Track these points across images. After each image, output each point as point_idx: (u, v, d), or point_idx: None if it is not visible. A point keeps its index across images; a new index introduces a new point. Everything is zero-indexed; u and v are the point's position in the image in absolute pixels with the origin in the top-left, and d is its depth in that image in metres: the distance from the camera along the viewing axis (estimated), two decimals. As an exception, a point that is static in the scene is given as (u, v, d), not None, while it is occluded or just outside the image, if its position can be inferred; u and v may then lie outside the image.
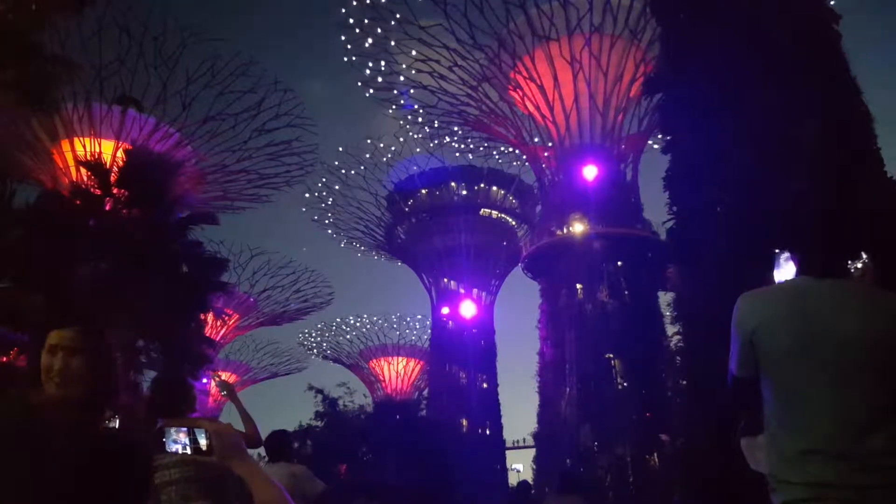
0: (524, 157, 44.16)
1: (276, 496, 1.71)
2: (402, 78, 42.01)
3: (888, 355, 2.08)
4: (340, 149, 52.59)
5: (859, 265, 3.57)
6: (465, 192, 53.79)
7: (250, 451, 1.97)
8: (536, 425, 35.73)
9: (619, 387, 31.81)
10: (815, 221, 2.39)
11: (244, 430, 4.48)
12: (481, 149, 50.70)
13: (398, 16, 37.75)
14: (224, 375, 55.89)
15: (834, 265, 2.30)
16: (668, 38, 11.79)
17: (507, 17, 36.41)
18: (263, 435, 5.13)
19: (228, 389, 4.85)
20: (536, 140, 40.97)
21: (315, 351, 68.75)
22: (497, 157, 51.76)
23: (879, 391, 2.06)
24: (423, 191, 53.80)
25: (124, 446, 1.73)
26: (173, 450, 1.78)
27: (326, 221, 55.35)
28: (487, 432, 48.59)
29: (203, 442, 1.74)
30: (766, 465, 2.20)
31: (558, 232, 37.05)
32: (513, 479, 45.82)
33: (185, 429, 1.77)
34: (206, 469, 3.21)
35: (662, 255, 25.21)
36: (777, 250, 3.51)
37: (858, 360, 2.08)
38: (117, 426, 3.27)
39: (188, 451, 1.76)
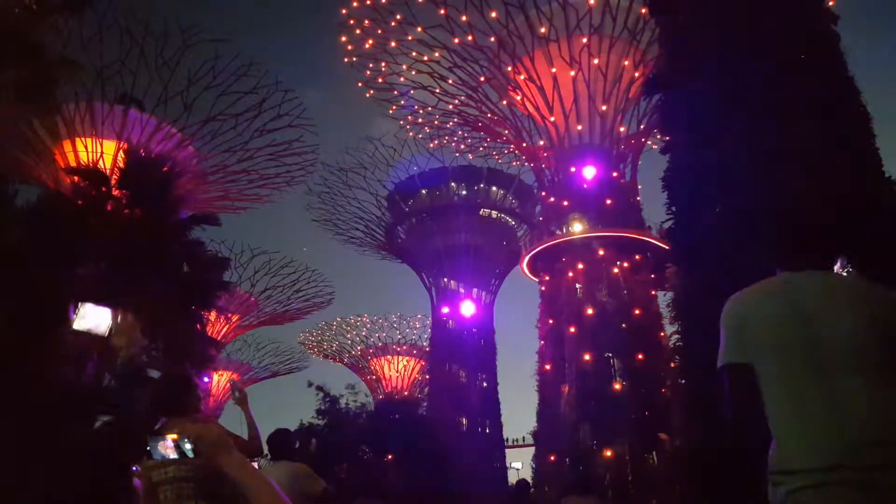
0: (524, 157, 44.17)
1: (265, 487, 1.76)
2: (402, 79, 42.05)
3: (877, 345, 2.15)
4: (340, 150, 52.73)
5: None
6: (464, 192, 53.82)
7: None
8: (536, 424, 35.73)
9: (618, 386, 31.82)
10: (802, 217, 2.46)
11: (248, 436, 4.52)
12: (481, 149, 50.74)
13: (398, 17, 37.79)
14: (225, 374, 56.03)
15: (815, 260, 2.37)
16: (667, 38, 11.83)
17: (507, 18, 36.45)
18: (265, 435, 5.20)
19: (242, 397, 4.95)
20: (536, 140, 40.99)
21: (316, 350, 68.84)
22: (497, 157, 51.79)
23: (875, 378, 2.11)
24: (423, 191, 53.80)
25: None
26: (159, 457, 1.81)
27: (327, 222, 55.41)
28: (487, 431, 48.66)
29: (188, 447, 1.77)
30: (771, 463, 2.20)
31: (558, 232, 37.04)
32: (512, 478, 45.90)
33: (168, 437, 1.79)
34: (202, 468, 3.23)
35: (662, 255, 25.25)
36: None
37: (848, 351, 2.14)
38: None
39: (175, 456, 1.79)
